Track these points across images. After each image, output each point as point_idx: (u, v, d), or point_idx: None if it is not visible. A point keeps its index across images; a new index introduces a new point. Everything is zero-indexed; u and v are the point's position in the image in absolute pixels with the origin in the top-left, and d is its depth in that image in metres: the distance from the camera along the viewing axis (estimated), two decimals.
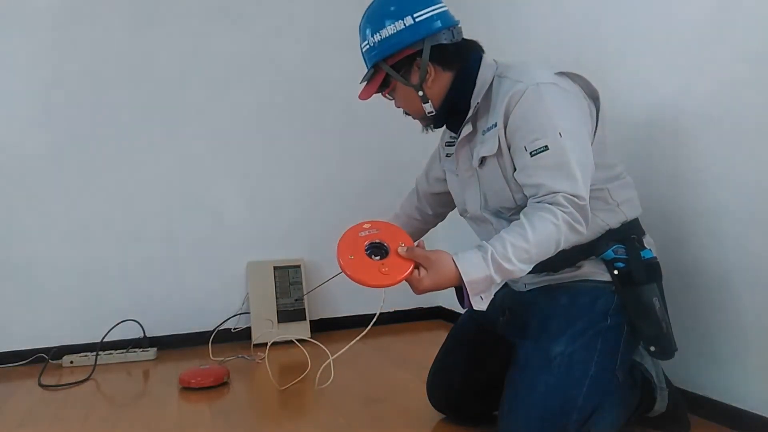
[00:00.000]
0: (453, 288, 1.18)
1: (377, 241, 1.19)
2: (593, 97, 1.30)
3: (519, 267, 1.13)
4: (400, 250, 1.17)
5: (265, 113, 2.55)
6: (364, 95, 1.37)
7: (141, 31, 2.38)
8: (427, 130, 1.43)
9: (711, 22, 1.42)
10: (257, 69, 2.53)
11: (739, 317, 1.39)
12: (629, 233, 1.29)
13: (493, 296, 1.17)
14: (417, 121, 1.41)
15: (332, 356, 1.57)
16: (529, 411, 1.17)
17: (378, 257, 1.17)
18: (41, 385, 1.95)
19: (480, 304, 1.15)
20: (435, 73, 1.30)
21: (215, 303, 2.45)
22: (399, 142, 2.73)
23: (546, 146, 1.16)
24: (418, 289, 1.15)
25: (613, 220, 1.28)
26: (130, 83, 2.37)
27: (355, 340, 1.43)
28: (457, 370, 1.48)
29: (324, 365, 1.64)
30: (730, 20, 1.37)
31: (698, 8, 1.44)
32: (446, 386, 1.50)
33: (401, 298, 2.66)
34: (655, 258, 1.29)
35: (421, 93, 1.31)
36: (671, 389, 1.38)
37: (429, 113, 1.35)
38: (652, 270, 1.27)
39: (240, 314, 2.47)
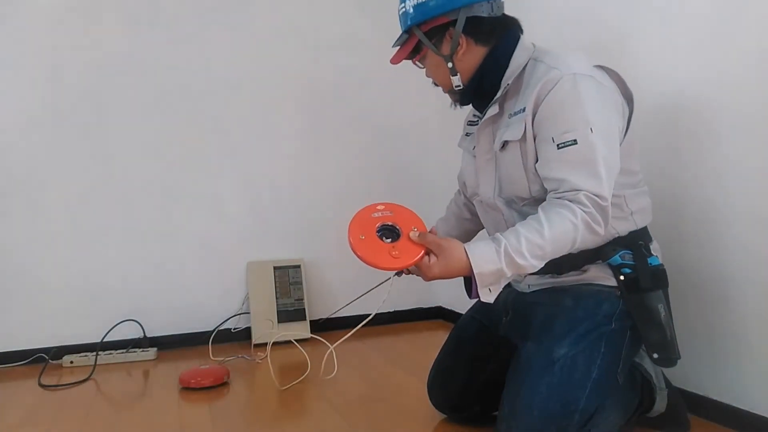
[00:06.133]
0: (461, 277, 1.17)
1: (389, 223, 1.18)
2: (628, 98, 1.28)
3: (531, 263, 1.11)
4: (412, 234, 1.15)
5: (266, 113, 2.55)
6: (395, 59, 1.35)
7: (141, 31, 2.38)
8: (454, 106, 1.40)
9: (717, 14, 1.41)
10: (257, 69, 2.53)
11: (739, 317, 1.39)
12: (636, 240, 1.27)
13: (501, 289, 1.16)
14: (446, 95, 1.39)
15: (332, 346, 1.54)
16: (531, 412, 1.16)
17: (389, 240, 1.16)
18: (41, 385, 1.94)
19: (488, 296, 1.14)
20: (467, 46, 1.27)
21: (215, 303, 2.45)
22: (401, 142, 2.74)
23: (575, 140, 1.13)
24: (427, 276, 1.14)
25: (623, 228, 1.26)
26: (130, 84, 2.36)
27: (359, 327, 1.38)
28: (458, 370, 1.47)
29: (327, 354, 1.59)
30: (739, 12, 1.36)
31: None
32: (447, 386, 1.49)
33: (401, 298, 2.67)
34: (662, 265, 1.27)
35: (450, 64, 1.29)
36: (671, 389, 1.38)
37: (456, 87, 1.32)
38: (659, 277, 1.25)
39: (240, 314, 2.47)
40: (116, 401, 1.81)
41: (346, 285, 2.62)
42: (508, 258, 1.10)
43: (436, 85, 1.39)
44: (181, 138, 2.43)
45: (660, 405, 1.35)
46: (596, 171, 1.13)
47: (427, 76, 1.39)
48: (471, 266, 1.11)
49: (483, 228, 1.61)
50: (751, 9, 1.32)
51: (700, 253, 1.47)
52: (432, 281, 1.17)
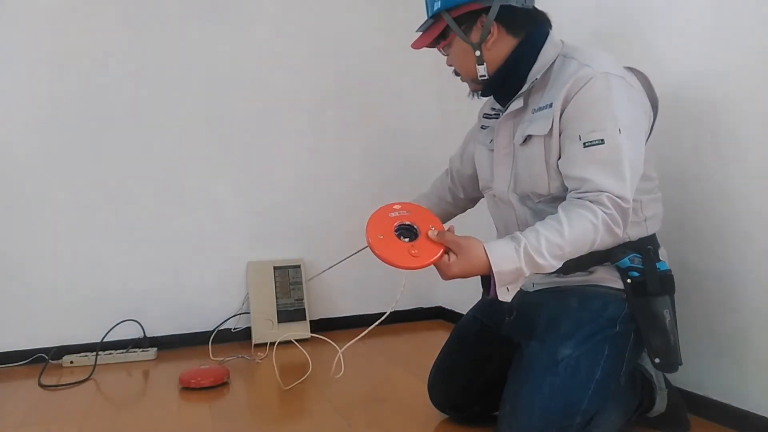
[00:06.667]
0: (479, 276, 1.17)
1: (407, 223, 1.18)
2: (653, 102, 1.27)
3: (550, 263, 1.11)
4: (430, 233, 1.16)
5: (265, 113, 2.54)
6: (419, 44, 1.33)
7: (141, 31, 2.38)
8: (473, 96, 1.38)
9: (718, 14, 1.41)
10: (257, 68, 2.53)
11: (740, 317, 1.39)
12: (645, 245, 1.27)
13: (518, 289, 1.15)
14: (465, 84, 1.37)
15: (341, 349, 1.54)
16: (533, 412, 1.15)
17: (407, 239, 1.16)
18: (41, 385, 1.94)
19: (505, 295, 1.13)
20: (497, 35, 1.26)
21: (215, 303, 2.45)
22: (401, 142, 2.74)
23: (602, 140, 1.13)
24: (446, 275, 1.14)
25: (634, 233, 1.26)
26: (129, 83, 2.36)
27: (368, 330, 1.37)
28: (459, 370, 1.47)
29: (336, 358, 1.60)
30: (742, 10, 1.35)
31: None
32: (448, 386, 1.49)
33: (401, 298, 2.65)
34: (670, 271, 1.27)
35: (478, 53, 1.27)
36: (670, 389, 1.37)
37: (481, 77, 1.29)
38: (667, 282, 1.25)
39: (240, 314, 2.47)
40: (116, 401, 1.81)
41: (346, 285, 2.63)
42: (528, 257, 1.10)
43: (456, 74, 1.37)
44: (181, 138, 2.43)
45: (660, 405, 1.35)
46: (621, 172, 1.13)
47: (449, 64, 1.37)
48: (490, 265, 1.10)
49: (461, 212, 1.62)
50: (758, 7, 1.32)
51: (701, 252, 1.46)
52: (440, 281, 1.17)
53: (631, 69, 1.26)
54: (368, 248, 1.15)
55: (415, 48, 1.34)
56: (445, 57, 1.37)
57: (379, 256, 1.13)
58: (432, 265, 1.15)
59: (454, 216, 1.62)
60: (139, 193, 2.38)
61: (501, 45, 1.27)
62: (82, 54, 2.31)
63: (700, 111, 1.45)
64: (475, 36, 1.26)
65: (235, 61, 2.50)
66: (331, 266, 1.54)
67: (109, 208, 2.35)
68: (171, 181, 2.42)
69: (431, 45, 1.34)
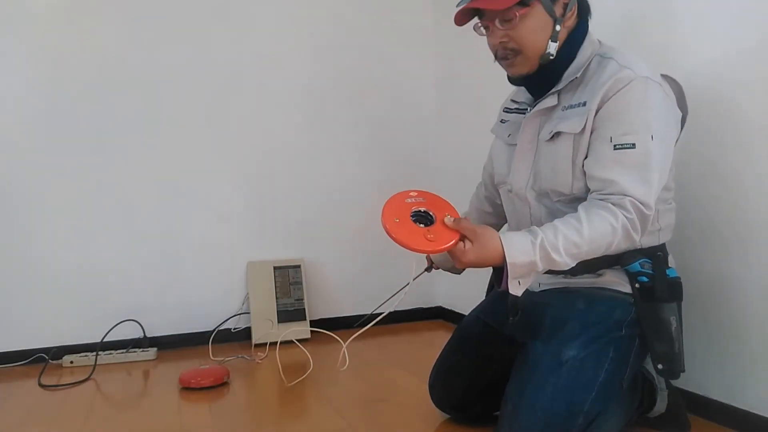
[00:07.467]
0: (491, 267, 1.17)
1: (423, 209, 1.19)
2: (683, 114, 1.27)
3: (566, 260, 1.11)
4: (446, 220, 1.16)
5: (266, 113, 2.54)
6: (499, 5, 1.16)
7: (141, 30, 2.38)
8: (517, 80, 1.31)
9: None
10: (257, 68, 2.53)
11: (739, 317, 1.39)
12: (656, 251, 1.27)
13: (530, 283, 1.15)
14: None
15: (345, 343, 1.54)
16: (535, 412, 1.15)
17: (423, 225, 1.17)
18: (41, 385, 1.94)
19: (516, 288, 1.13)
20: (574, 14, 1.23)
21: (215, 303, 2.45)
22: (401, 141, 2.74)
23: (633, 144, 1.13)
24: (461, 261, 1.14)
25: (646, 241, 1.26)
26: (130, 83, 2.36)
27: (371, 324, 1.36)
28: (461, 370, 1.46)
29: (341, 351, 1.59)
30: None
31: None
32: (450, 385, 1.49)
33: (401, 298, 2.66)
34: (679, 278, 1.26)
35: (558, 27, 1.21)
36: (671, 390, 1.37)
37: (549, 55, 1.22)
38: (675, 289, 1.25)
39: (240, 314, 2.47)
40: (116, 401, 1.81)
41: (346, 285, 2.64)
42: (543, 252, 1.10)
43: (502, 57, 1.26)
44: (181, 138, 2.43)
45: (660, 405, 1.35)
46: (648, 178, 1.12)
47: (499, 41, 1.23)
48: (504, 255, 1.10)
49: (505, 223, 1.59)
50: None
51: (701, 252, 1.46)
52: (462, 268, 1.17)
53: (666, 77, 1.26)
54: (385, 232, 1.15)
55: (492, 8, 1.18)
56: (484, 36, 1.27)
57: (395, 239, 1.13)
58: (445, 256, 1.16)
59: (499, 228, 1.57)
60: (139, 193, 2.38)
61: (569, 25, 1.24)
62: (81, 54, 2.30)
63: (701, 116, 1.45)
64: (558, 9, 1.22)
65: (234, 60, 2.49)
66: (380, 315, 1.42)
67: (109, 208, 2.34)
68: (171, 180, 2.42)
69: (507, 11, 1.19)
